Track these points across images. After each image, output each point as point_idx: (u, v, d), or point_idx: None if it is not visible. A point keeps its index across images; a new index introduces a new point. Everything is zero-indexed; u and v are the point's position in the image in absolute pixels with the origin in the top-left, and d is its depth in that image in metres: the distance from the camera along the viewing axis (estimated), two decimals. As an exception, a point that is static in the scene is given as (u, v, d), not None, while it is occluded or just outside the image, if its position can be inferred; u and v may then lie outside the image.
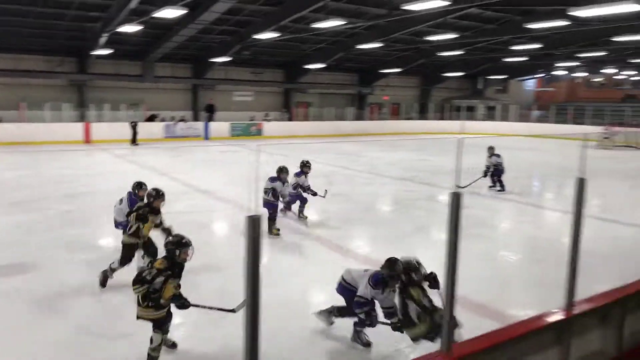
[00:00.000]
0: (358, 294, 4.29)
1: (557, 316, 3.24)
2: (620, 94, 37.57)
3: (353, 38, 23.44)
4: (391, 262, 4.25)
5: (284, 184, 8.09)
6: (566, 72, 34.85)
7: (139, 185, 6.40)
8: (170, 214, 6.32)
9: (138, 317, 4.08)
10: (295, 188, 8.62)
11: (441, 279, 3.61)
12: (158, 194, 5.85)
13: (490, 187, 12.02)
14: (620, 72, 35.14)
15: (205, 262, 6.07)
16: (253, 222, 1.98)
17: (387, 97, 34.18)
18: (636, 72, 34.41)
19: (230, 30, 21.61)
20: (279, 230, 7.86)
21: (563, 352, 3.18)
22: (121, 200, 6.48)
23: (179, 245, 4.13)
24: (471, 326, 3.92)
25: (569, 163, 12.63)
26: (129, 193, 6.45)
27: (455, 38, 19.98)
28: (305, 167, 8.88)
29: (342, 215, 9.43)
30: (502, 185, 11.93)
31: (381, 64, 30.03)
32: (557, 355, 3.19)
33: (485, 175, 11.90)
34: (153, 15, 14.95)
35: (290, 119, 29.51)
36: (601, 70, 33.65)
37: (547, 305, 3.54)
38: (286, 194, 8.23)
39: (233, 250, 6.69)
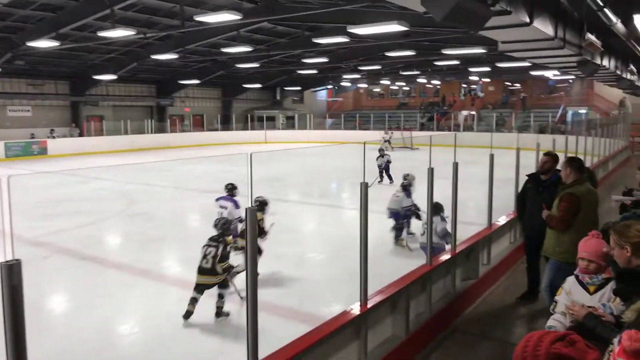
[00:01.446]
0: None
1: (354, 312, 3.53)
2: (396, 102, 43.03)
3: (147, 48, 22.36)
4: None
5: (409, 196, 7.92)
6: (351, 84, 38.66)
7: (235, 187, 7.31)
8: None
9: (221, 284, 5.38)
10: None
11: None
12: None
13: (379, 181, 13.86)
14: (395, 83, 40.37)
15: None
16: (9, 270, 1.66)
17: (188, 108, 33.50)
18: (406, 83, 39.96)
19: (-2, 37, 18.75)
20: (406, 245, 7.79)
21: (361, 345, 3.48)
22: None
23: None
24: (285, 334, 4.04)
25: (358, 165, 14.06)
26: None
27: (251, 51, 20.51)
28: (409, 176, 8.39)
29: (145, 235, 8.90)
30: (390, 177, 13.81)
31: (179, 75, 29.28)
32: (356, 348, 3.47)
33: (382, 171, 14.01)
34: None
35: (81, 135, 26.84)
36: (379, 82, 38.21)
37: (352, 300, 3.82)
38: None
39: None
